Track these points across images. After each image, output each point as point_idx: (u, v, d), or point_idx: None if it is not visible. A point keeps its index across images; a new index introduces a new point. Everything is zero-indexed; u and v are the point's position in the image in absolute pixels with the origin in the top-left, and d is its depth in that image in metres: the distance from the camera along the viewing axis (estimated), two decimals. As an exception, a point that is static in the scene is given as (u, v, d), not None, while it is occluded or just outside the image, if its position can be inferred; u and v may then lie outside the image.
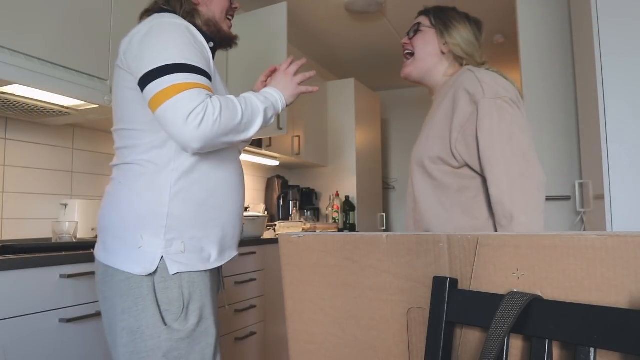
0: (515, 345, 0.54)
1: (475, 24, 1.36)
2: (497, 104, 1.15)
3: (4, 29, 1.60)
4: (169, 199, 1.10)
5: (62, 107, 1.79)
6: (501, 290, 0.55)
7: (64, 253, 1.47)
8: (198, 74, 1.06)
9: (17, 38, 1.64)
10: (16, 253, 1.41)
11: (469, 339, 0.58)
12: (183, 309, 1.08)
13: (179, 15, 1.20)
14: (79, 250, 1.55)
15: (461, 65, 1.33)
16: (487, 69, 1.28)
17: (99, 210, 1.19)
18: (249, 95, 1.18)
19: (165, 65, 1.03)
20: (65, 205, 2.04)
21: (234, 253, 1.27)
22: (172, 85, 1.02)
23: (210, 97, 1.06)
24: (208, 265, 1.15)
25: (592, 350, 0.47)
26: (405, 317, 0.63)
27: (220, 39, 1.32)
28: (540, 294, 0.52)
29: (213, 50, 1.26)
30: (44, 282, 1.39)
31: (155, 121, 1.08)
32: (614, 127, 1.55)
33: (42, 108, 1.77)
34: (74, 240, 1.75)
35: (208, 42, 1.22)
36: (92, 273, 1.52)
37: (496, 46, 3.94)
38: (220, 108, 1.05)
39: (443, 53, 1.34)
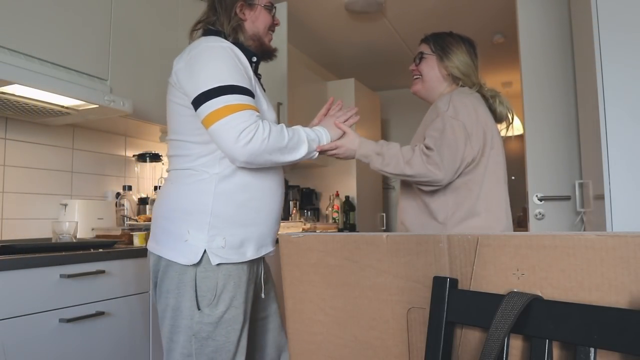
0: (515, 345, 0.54)
1: (469, 44, 1.57)
2: (450, 121, 1.38)
3: (4, 29, 1.60)
4: (212, 200, 1.24)
5: (62, 107, 1.79)
6: (501, 290, 0.55)
7: (64, 253, 1.47)
8: (246, 95, 1.21)
9: (17, 38, 1.64)
10: (16, 253, 1.41)
11: (469, 339, 0.58)
12: (215, 297, 1.23)
13: (226, 31, 1.34)
14: (79, 250, 1.55)
15: (457, 85, 1.54)
16: (477, 91, 1.50)
17: (154, 208, 1.35)
18: (298, 127, 1.35)
19: (219, 87, 1.17)
20: (65, 205, 2.04)
21: (270, 249, 1.39)
22: (225, 106, 1.16)
23: (262, 120, 1.21)
24: (244, 259, 1.27)
25: (592, 350, 0.47)
26: (405, 317, 0.63)
27: (262, 52, 1.44)
28: (540, 294, 0.52)
29: (256, 63, 1.40)
30: (44, 282, 1.39)
31: (203, 134, 1.23)
32: (614, 127, 1.55)
33: (42, 108, 1.77)
34: (74, 240, 1.75)
35: (251, 56, 1.36)
36: (92, 273, 1.53)
37: (496, 46, 3.94)
38: (269, 131, 1.19)
39: (444, 75, 1.54)
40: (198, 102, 1.19)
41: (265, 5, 1.41)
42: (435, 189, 1.40)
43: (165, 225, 1.27)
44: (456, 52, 1.52)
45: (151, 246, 1.32)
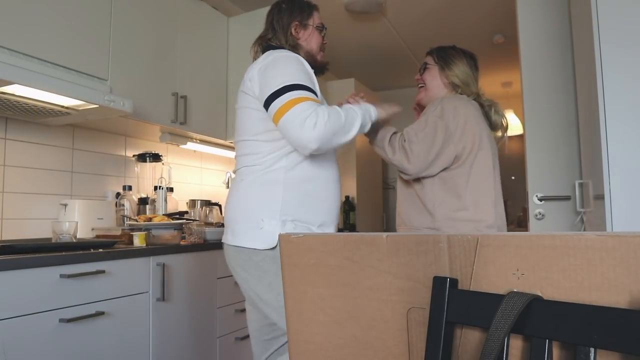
0: (515, 345, 0.54)
1: (470, 57, 1.75)
2: (433, 119, 1.54)
3: (4, 29, 1.60)
4: (282, 189, 1.38)
5: (62, 107, 1.79)
6: (501, 290, 0.55)
7: (64, 253, 1.47)
8: (308, 91, 1.34)
9: (17, 38, 1.64)
10: (16, 253, 1.41)
11: (469, 339, 0.58)
12: None
13: (285, 47, 1.50)
14: (79, 250, 1.55)
15: (457, 92, 1.70)
16: (474, 99, 1.65)
17: (226, 204, 1.49)
18: (346, 104, 1.48)
19: (284, 87, 1.31)
20: (65, 205, 2.04)
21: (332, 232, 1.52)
22: (289, 100, 1.29)
23: (319, 106, 1.32)
24: None
25: (592, 350, 0.47)
26: (405, 317, 0.63)
27: (315, 67, 1.54)
28: (540, 294, 0.52)
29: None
30: (44, 282, 1.39)
31: (271, 133, 1.38)
32: (614, 127, 1.55)
33: (42, 108, 1.77)
34: (74, 240, 1.75)
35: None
36: (92, 273, 1.53)
37: (496, 46, 3.93)
38: (328, 113, 1.30)
39: (445, 84, 1.72)
40: (268, 102, 1.33)
41: (317, 27, 1.59)
42: (408, 177, 1.59)
43: (242, 217, 1.40)
44: (457, 62, 1.71)
45: (228, 239, 1.44)
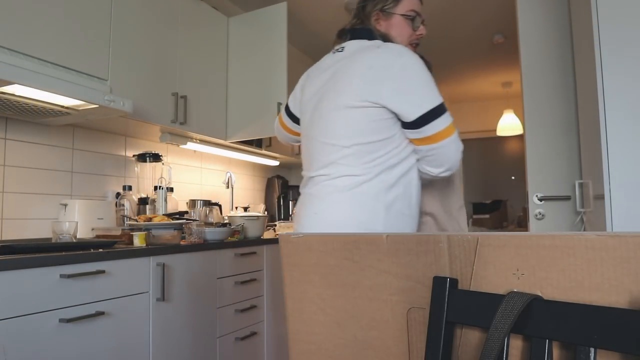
0: (515, 345, 0.54)
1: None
2: None
3: (4, 29, 1.60)
4: (384, 211, 1.21)
5: (62, 107, 1.79)
6: (501, 290, 0.55)
7: (64, 253, 1.47)
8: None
9: (17, 38, 1.64)
10: (16, 253, 1.41)
11: (469, 339, 0.58)
12: None
13: (376, 38, 1.30)
14: (79, 250, 1.55)
15: None
16: None
17: (310, 216, 1.27)
18: None
19: (442, 105, 1.22)
20: (65, 205, 2.04)
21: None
22: (452, 123, 1.23)
23: None
24: None
25: (592, 350, 0.47)
26: (405, 317, 0.63)
27: None
28: (540, 294, 0.52)
29: None
30: (44, 282, 1.39)
31: (379, 142, 1.22)
32: (614, 127, 1.55)
33: (42, 108, 1.77)
34: (74, 240, 1.75)
35: None
36: (92, 273, 1.53)
37: (496, 46, 3.93)
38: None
39: None
40: (425, 119, 1.19)
41: (404, 15, 1.33)
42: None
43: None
44: None
45: None
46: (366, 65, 1.21)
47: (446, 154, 1.23)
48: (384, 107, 1.20)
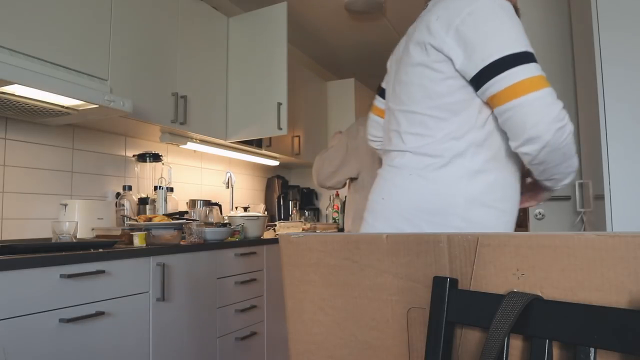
0: (515, 345, 0.54)
1: None
2: None
3: (4, 29, 1.60)
4: (464, 200, 0.98)
5: (62, 107, 1.79)
6: (501, 290, 0.55)
7: (64, 253, 1.47)
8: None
9: (17, 38, 1.64)
10: (16, 253, 1.41)
11: (469, 339, 0.58)
12: None
13: None
14: (79, 250, 1.55)
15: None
16: None
17: (378, 202, 1.08)
18: None
19: (527, 53, 0.91)
20: (65, 205, 2.04)
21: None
22: (540, 76, 0.90)
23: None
24: None
25: (592, 350, 0.47)
26: (405, 317, 0.63)
27: None
28: (540, 294, 0.52)
29: None
30: (44, 282, 1.39)
31: (460, 111, 0.99)
32: (614, 127, 1.55)
33: (42, 108, 1.77)
34: (74, 240, 1.75)
35: None
36: (92, 273, 1.53)
37: (496, 46, 3.93)
38: (571, 123, 0.91)
39: None
40: (496, 68, 0.91)
41: None
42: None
43: (403, 227, 1.02)
44: None
45: None
46: (435, 16, 1.00)
47: (531, 113, 0.89)
48: (450, 59, 0.98)
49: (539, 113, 0.89)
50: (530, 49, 0.93)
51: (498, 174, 0.99)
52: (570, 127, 0.90)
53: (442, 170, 1.00)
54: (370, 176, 1.99)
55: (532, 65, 0.91)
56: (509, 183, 1.01)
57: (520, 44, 0.92)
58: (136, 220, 1.98)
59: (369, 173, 1.93)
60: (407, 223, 1.01)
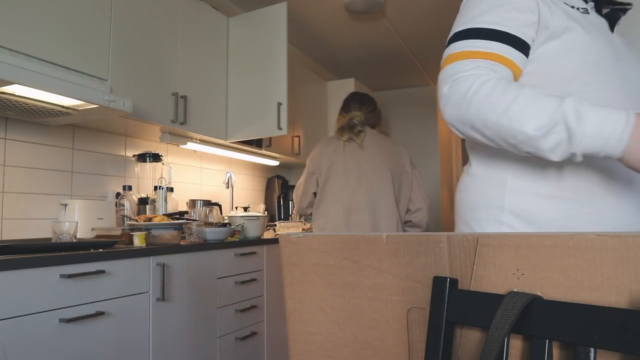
0: (515, 345, 0.54)
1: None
2: None
3: (4, 29, 1.60)
4: (506, 192, 0.89)
5: (62, 107, 1.79)
6: (501, 290, 0.55)
7: (64, 253, 1.47)
8: (493, 41, 0.83)
9: (17, 38, 1.64)
10: (16, 253, 1.41)
11: (469, 339, 0.58)
12: None
13: None
14: (79, 250, 1.55)
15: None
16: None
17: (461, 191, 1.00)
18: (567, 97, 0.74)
19: (463, 31, 0.86)
20: (65, 205, 2.04)
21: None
22: (454, 53, 0.85)
23: (493, 70, 0.81)
24: None
25: (592, 350, 0.47)
26: (405, 317, 0.63)
27: None
28: (540, 294, 0.52)
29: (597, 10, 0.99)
30: (44, 282, 1.39)
31: None
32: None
33: (42, 108, 1.77)
34: (74, 240, 1.75)
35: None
36: (92, 273, 1.53)
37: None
38: (479, 86, 0.79)
39: None
40: (446, 47, 0.89)
41: None
42: None
43: (459, 223, 0.97)
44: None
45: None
46: None
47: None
48: None
49: (439, 88, 0.86)
50: (477, 26, 0.85)
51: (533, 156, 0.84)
52: (462, 90, 0.80)
53: (473, 161, 0.96)
54: (338, 172, 2.30)
55: (460, 43, 0.85)
56: (549, 163, 0.84)
57: (467, 23, 0.86)
58: (136, 220, 1.98)
59: (336, 170, 2.33)
60: (464, 224, 0.96)
